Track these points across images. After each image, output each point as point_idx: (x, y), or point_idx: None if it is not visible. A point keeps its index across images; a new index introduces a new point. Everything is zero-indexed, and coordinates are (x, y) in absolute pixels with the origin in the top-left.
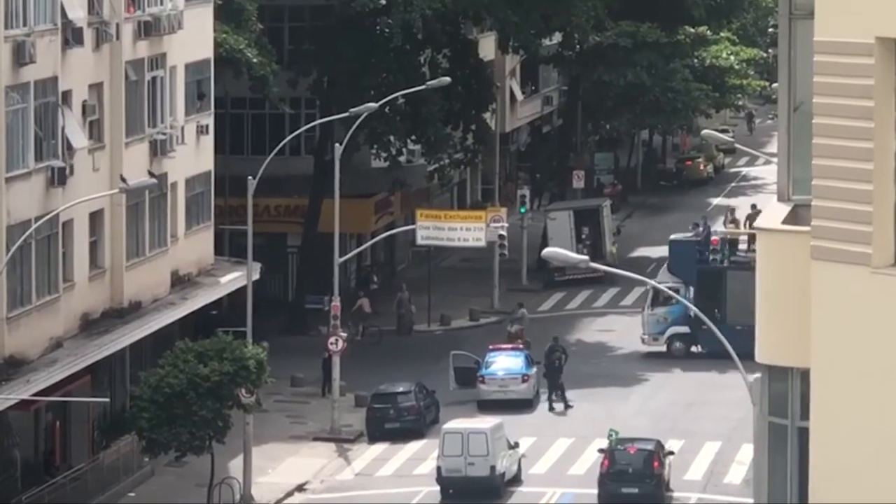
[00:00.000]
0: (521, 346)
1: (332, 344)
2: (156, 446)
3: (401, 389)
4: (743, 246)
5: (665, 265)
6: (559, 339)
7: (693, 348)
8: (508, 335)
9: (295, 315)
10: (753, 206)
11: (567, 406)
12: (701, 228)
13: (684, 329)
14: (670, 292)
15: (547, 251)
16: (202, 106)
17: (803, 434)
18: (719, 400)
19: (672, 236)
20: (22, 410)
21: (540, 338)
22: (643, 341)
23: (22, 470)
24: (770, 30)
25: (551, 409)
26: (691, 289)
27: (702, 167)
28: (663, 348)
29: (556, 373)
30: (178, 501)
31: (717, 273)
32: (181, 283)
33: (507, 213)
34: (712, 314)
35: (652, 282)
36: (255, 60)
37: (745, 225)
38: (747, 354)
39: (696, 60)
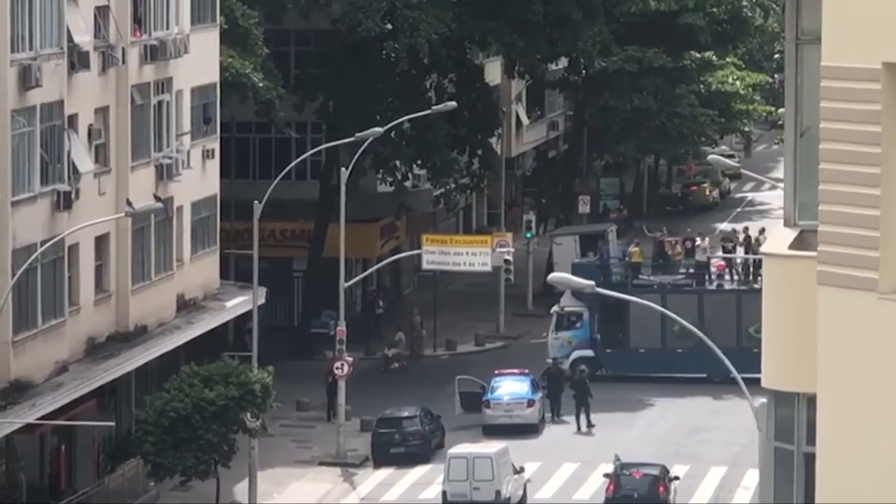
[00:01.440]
0: (397, 368)
1: (337, 368)
2: (161, 470)
3: (406, 414)
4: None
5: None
6: (558, 360)
7: (599, 371)
8: (385, 359)
9: (300, 339)
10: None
11: (590, 425)
12: (604, 253)
13: (588, 353)
14: (683, 322)
15: (553, 276)
16: (208, 130)
17: (809, 459)
18: (725, 425)
19: (574, 260)
20: (27, 434)
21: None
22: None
23: (27, 494)
24: (776, 55)
25: (579, 429)
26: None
27: (707, 192)
28: (568, 372)
29: (584, 392)
30: None
31: None
32: (187, 307)
33: (512, 237)
34: (616, 337)
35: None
36: (260, 85)
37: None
38: (652, 378)
39: (701, 86)
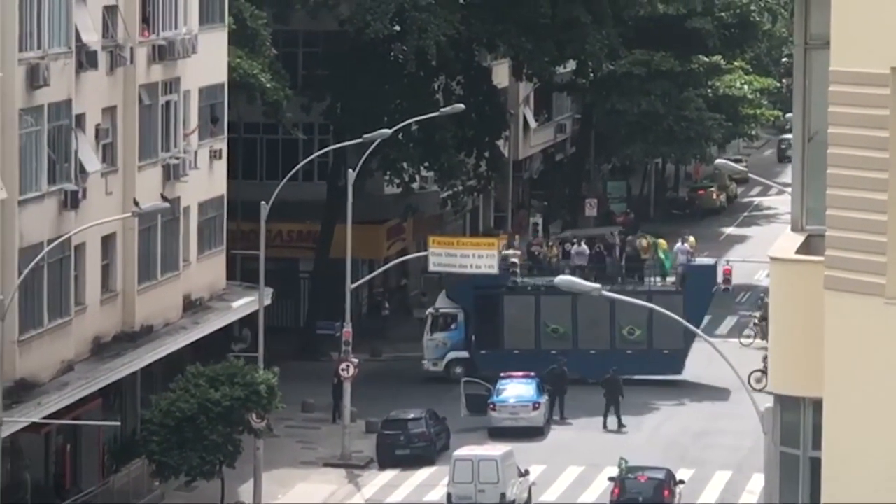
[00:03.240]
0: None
1: (342, 370)
2: (166, 470)
3: (412, 416)
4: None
5: (444, 291)
6: (563, 362)
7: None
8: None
9: (306, 340)
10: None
11: (621, 425)
12: None
13: (463, 354)
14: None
15: (559, 279)
16: (216, 130)
17: (815, 464)
18: (730, 429)
19: None
20: (33, 433)
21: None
22: (424, 366)
23: (32, 493)
24: (784, 59)
25: (606, 427)
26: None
27: (714, 196)
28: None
29: (616, 391)
30: None
31: (493, 298)
32: (193, 307)
33: (519, 240)
34: (490, 339)
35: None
36: (268, 85)
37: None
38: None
39: (709, 90)
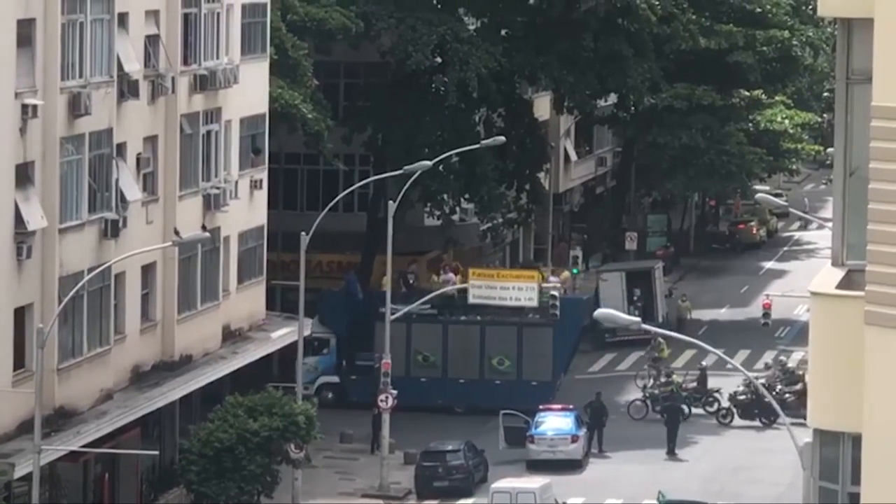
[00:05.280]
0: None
1: (381, 401)
2: (204, 500)
3: (450, 448)
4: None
5: (317, 316)
6: (601, 395)
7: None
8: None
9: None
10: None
11: (672, 451)
12: (350, 282)
13: (334, 379)
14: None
15: (599, 312)
16: (256, 161)
17: (854, 499)
18: (768, 464)
19: (325, 289)
20: (71, 462)
21: (590, 398)
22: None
23: None
24: (825, 94)
25: (672, 454)
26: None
27: (754, 231)
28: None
29: (675, 417)
30: None
31: (366, 324)
32: (232, 337)
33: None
34: (361, 365)
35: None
36: (309, 116)
37: None
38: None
39: (750, 124)
